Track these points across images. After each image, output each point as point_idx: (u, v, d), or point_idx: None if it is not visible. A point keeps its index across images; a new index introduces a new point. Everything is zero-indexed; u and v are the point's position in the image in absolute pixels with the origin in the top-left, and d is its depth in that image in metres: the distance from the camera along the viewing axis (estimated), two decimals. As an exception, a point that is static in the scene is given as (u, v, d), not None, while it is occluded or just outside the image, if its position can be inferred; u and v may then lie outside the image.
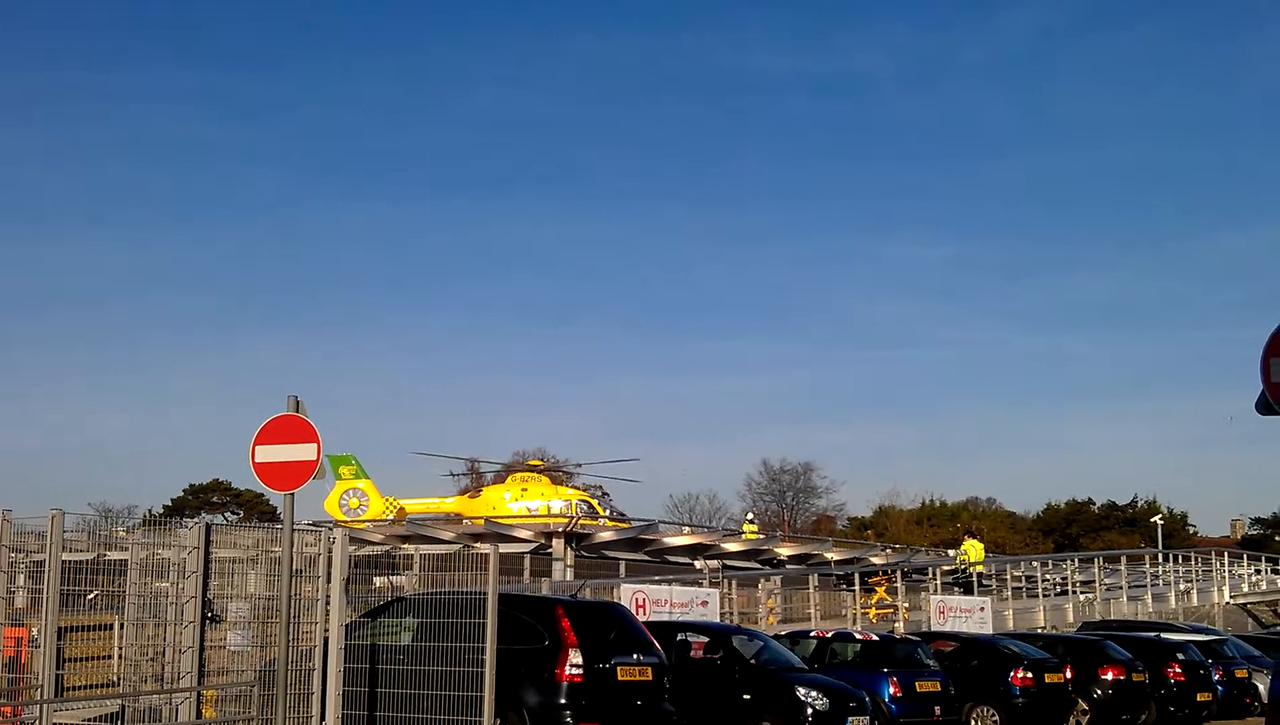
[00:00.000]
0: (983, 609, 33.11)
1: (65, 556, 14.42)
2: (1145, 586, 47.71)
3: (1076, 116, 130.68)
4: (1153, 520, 77.05)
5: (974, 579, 39.70)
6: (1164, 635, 30.87)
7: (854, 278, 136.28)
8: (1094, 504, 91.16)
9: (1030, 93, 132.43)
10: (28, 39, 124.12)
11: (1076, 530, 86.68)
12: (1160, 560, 54.04)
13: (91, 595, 15.40)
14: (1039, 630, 35.39)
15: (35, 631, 14.66)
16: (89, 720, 15.07)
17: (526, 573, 37.03)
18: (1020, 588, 43.50)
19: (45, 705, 13.73)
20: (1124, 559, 50.06)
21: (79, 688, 15.61)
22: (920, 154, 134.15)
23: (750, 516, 61.45)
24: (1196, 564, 54.17)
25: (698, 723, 18.42)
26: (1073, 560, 48.11)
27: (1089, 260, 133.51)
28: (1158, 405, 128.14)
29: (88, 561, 15.82)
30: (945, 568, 40.68)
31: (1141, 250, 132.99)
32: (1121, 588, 46.21)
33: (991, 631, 30.85)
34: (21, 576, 15.86)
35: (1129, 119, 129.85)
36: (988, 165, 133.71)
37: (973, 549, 40.95)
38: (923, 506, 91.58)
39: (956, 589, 38.34)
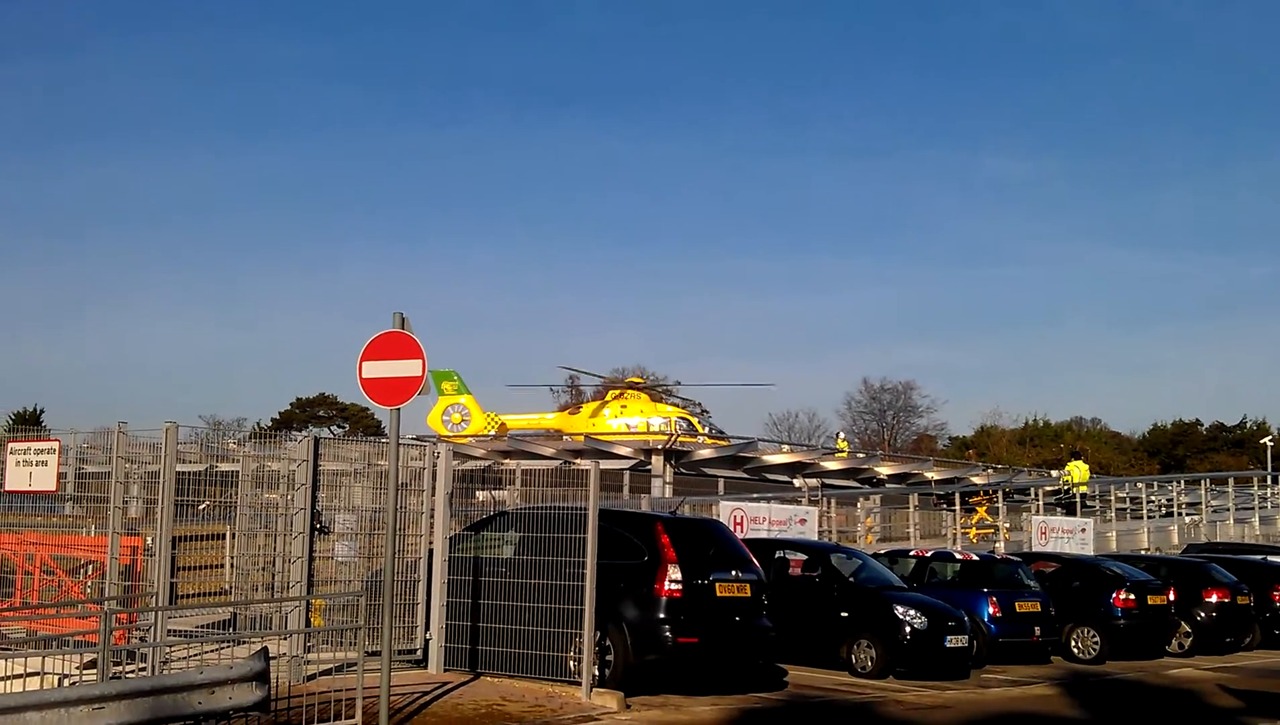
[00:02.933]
0: (1084, 530, 32.87)
1: (178, 468, 14.75)
2: (1253, 508, 46.98)
3: (1178, 27, 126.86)
4: (1262, 442, 75.47)
5: (1077, 500, 39.36)
6: (1270, 558, 30.48)
7: (958, 194, 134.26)
8: (1201, 425, 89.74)
9: (1129, 2, 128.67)
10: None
11: (1183, 451, 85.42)
12: (1269, 482, 53.12)
13: (203, 505, 15.77)
14: (1142, 552, 35.07)
15: (150, 540, 15.06)
16: (201, 627, 15.51)
17: (626, 489, 37.31)
18: (1124, 509, 43.09)
19: (160, 612, 14.13)
20: (1231, 481, 49.31)
21: (192, 595, 16.06)
22: (1023, 67, 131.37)
23: (841, 434, 61.28)
24: (1307, 486, 53.27)
25: (796, 640, 18.54)
26: (1179, 482, 47.49)
27: (1197, 174, 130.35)
28: (1269, 324, 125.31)
29: (200, 472, 16.22)
30: (1048, 488, 40.37)
31: (1249, 164, 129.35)
32: (1228, 510, 45.57)
33: (1093, 553, 30.63)
34: (136, 487, 16.26)
35: (1231, 30, 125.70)
36: (1092, 78, 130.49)
37: (1077, 470, 40.56)
38: (1025, 426, 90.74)
39: (1059, 510, 38.05)
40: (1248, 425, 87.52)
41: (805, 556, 20.60)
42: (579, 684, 14.62)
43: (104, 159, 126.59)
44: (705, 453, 44.00)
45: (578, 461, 37.42)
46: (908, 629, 19.07)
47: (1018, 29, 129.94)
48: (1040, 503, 37.36)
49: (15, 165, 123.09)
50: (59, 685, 12.69)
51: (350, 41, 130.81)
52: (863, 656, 19.12)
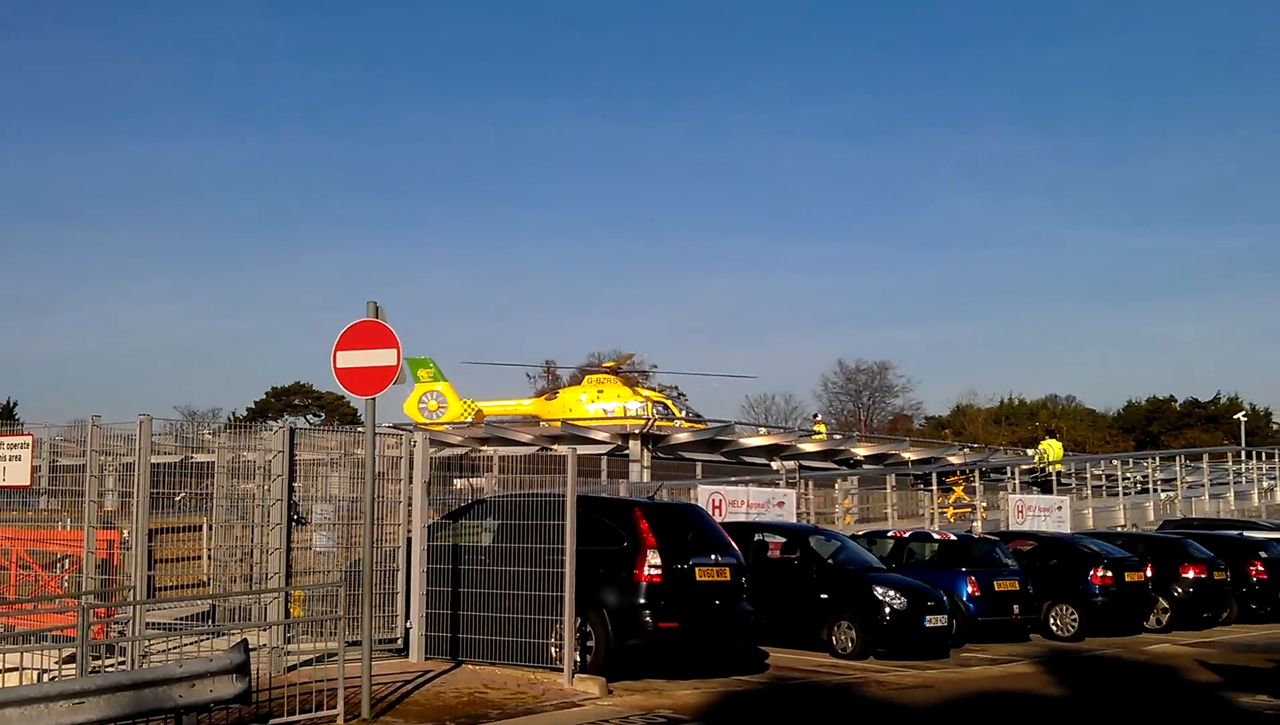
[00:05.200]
0: (1061, 508, 33.03)
1: (153, 459, 14.67)
2: (1228, 484, 47.26)
3: (1158, 3, 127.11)
4: (1236, 417, 76.01)
5: (1053, 478, 39.50)
6: (1246, 533, 30.68)
7: (932, 174, 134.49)
8: (1175, 401, 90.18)
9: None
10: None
11: (1158, 428, 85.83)
12: (1243, 457, 53.42)
13: (179, 496, 15.69)
14: (1119, 529, 35.23)
15: (126, 533, 14.98)
16: (180, 619, 15.45)
17: (604, 474, 37.25)
18: (1100, 486, 43.25)
19: (138, 605, 14.06)
20: (1206, 457, 49.55)
21: (170, 588, 15.98)
22: (1003, 47, 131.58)
23: (818, 416, 61.32)
24: (1280, 461, 53.55)
25: (776, 622, 18.58)
26: (1154, 458, 47.68)
27: (1171, 152, 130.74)
28: (1241, 300, 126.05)
29: (176, 464, 16.13)
30: (1024, 467, 40.50)
31: (1226, 141, 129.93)
32: (1203, 486, 45.81)
33: (1070, 530, 30.77)
34: (111, 480, 16.17)
35: (1212, 4, 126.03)
36: (1069, 58, 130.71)
37: (1052, 448, 40.70)
38: (1001, 405, 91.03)
39: (1035, 488, 38.19)
40: (1221, 401, 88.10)
41: (784, 539, 20.64)
42: (560, 670, 14.63)
43: (74, 148, 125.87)
44: (682, 437, 43.97)
45: (555, 447, 37.34)
46: (887, 609, 19.13)
47: (996, 9, 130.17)
48: (1016, 481, 37.47)
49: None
50: (38, 681, 12.62)
51: (322, 24, 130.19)
52: (843, 638, 19.17)
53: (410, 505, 16.25)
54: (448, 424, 47.80)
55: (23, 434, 16.42)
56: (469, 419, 49.27)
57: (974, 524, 31.83)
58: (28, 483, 16.08)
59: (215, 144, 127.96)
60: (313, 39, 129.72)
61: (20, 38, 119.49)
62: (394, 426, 38.54)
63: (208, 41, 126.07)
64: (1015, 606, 21.97)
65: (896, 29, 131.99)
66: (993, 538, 24.57)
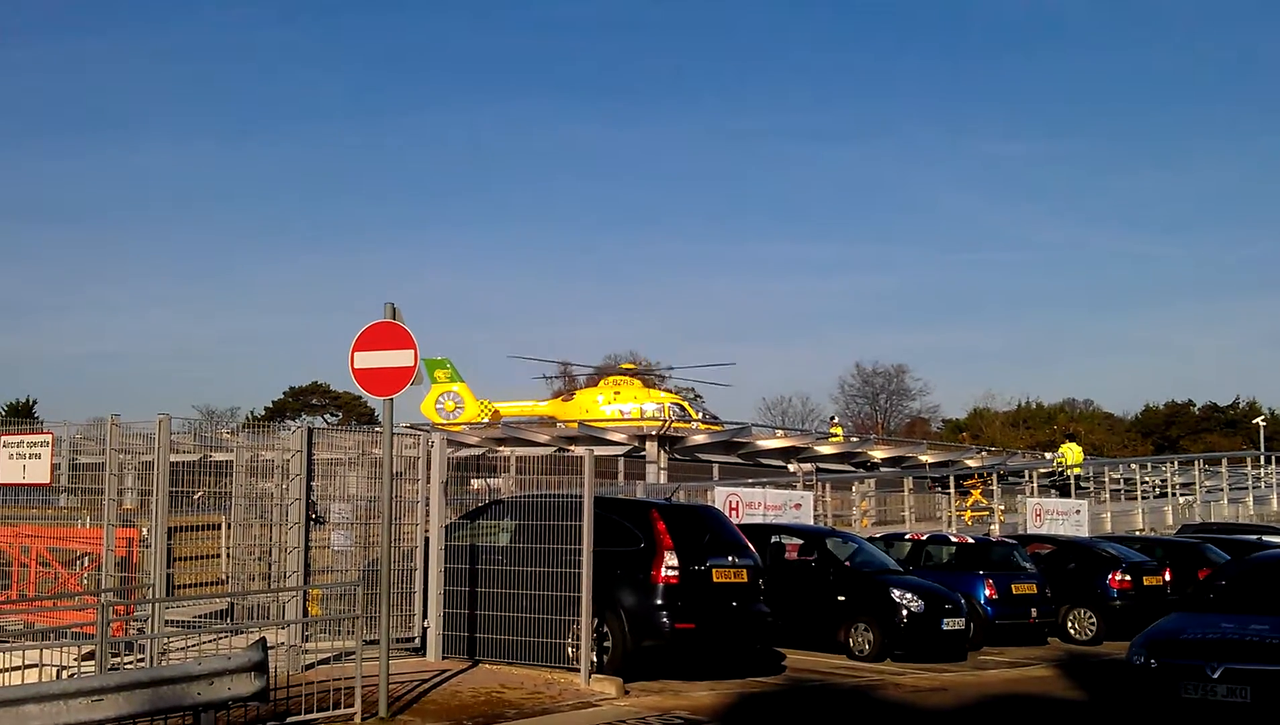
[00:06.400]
0: (1079, 512, 32.93)
1: (172, 458, 14.70)
2: (1246, 489, 47.07)
3: (1168, 8, 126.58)
4: (1255, 422, 75.61)
5: (1071, 482, 39.39)
6: (1265, 538, 30.51)
7: (949, 177, 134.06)
8: (1194, 405, 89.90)
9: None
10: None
11: (1176, 432, 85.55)
12: (1262, 462, 53.20)
13: (198, 494, 15.74)
14: (1137, 533, 35.12)
15: (145, 532, 15.03)
16: (199, 617, 15.49)
17: (620, 475, 37.26)
18: (1119, 490, 43.13)
19: (157, 603, 14.11)
20: (1225, 461, 49.35)
21: (188, 586, 16.04)
22: (1014, 49, 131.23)
23: (835, 418, 61.25)
24: (1300, 466, 53.31)
25: (793, 624, 18.55)
26: (1172, 462, 47.53)
27: (1187, 156, 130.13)
28: (1260, 304, 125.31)
29: (194, 463, 16.17)
30: (1042, 470, 40.39)
31: (1240, 145, 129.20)
32: (1222, 490, 45.63)
33: (1088, 534, 30.69)
34: (130, 478, 16.22)
35: (1222, 9, 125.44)
36: (1085, 60, 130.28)
37: (1070, 452, 40.57)
38: (1019, 408, 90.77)
39: (1053, 492, 38.09)
40: (1240, 406, 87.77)
41: (801, 541, 20.63)
42: (577, 670, 14.64)
43: (95, 149, 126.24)
44: (699, 438, 43.97)
45: (572, 448, 37.38)
46: (905, 612, 19.10)
47: (1008, 11, 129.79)
48: (1034, 485, 37.39)
49: (5, 154, 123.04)
50: (58, 678, 12.67)
51: (324, 30, 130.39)
52: (860, 640, 19.15)
53: (428, 505, 16.28)
54: (465, 424, 47.90)
55: (43, 433, 16.48)
56: (486, 419, 49.36)
57: (991, 527, 31.78)
58: (48, 480, 16.13)
59: (233, 147, 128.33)
60: (315, 44, 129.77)
61: (37, 41, 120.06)
62: (411, 427, 38.62)
63: (212, 46, 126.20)
64: (1033, 610, 21.93)
65: (910, 32, 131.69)
66: (1010, 541, 24.53)
